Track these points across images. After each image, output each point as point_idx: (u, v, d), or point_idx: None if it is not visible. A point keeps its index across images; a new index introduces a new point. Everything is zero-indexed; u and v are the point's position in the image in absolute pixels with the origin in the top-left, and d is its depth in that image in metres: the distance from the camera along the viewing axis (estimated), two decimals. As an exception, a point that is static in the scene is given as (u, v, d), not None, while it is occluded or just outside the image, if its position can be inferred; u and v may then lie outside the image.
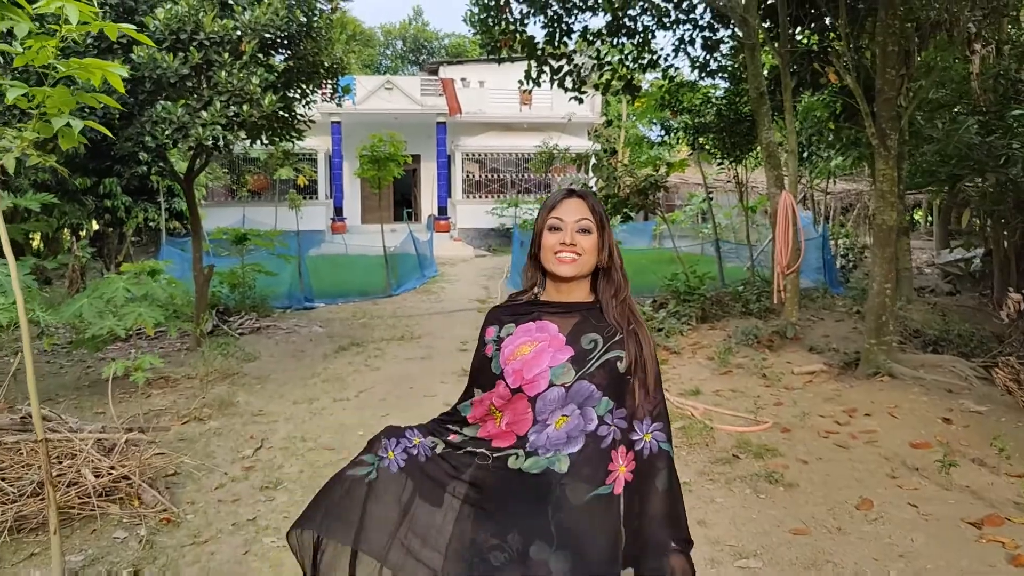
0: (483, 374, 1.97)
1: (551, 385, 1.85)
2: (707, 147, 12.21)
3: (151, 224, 14.87)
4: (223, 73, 7.47)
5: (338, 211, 25.38)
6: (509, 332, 1.95)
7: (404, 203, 28.89)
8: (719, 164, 13.15)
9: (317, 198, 25.77)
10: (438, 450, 2.00)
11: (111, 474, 4.63)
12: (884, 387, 6.68)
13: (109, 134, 3.97)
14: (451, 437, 2.01)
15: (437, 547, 1.86)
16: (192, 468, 5.24)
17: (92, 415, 6.58)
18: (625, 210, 10.98)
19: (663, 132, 13.33)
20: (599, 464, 1.82)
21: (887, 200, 6.97)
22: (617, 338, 1.89)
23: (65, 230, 14.72)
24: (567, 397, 1.84)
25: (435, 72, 29.74)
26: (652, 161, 14.30)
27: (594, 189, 10.96)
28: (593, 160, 10.99)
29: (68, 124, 3.69)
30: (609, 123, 18.48)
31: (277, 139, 9.74)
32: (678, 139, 12.98)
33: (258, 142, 9.58)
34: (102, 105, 3.53)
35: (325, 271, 15.22)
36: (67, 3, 3.36)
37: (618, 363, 1.86)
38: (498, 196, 26.37)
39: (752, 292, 10.55)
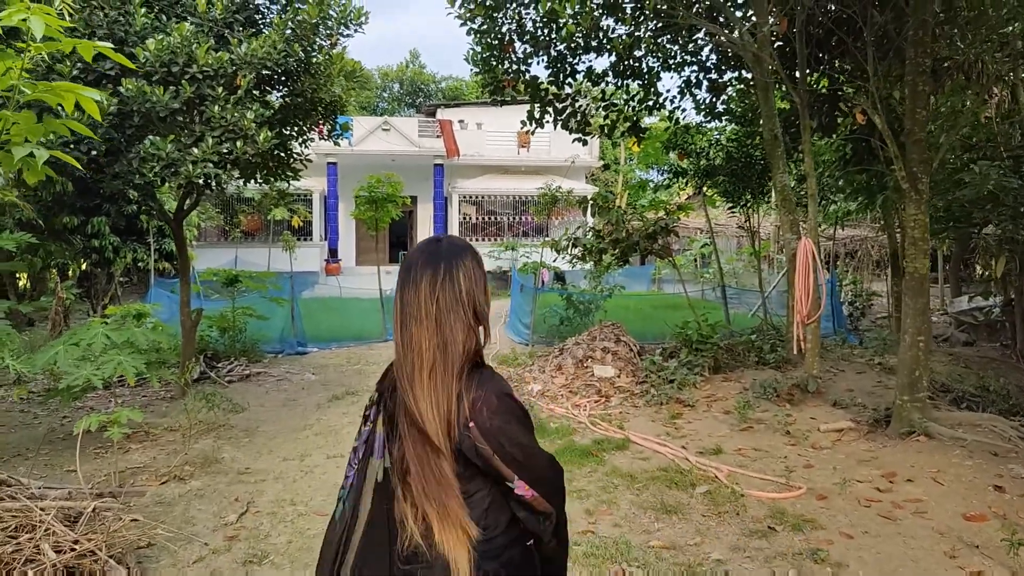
0: None
1: None
2: (715, 191, 11.88)
3: (140, 265, 14.38)
4: (216, 108, 7.16)
5: (332, 253, 25.01)
6: None
7: (400, 245, 28.49)
8: (731, 208, 12.87)
9: (311, 239, 25.38)
10: None
11: (74, 549, 4.07)
12: (922, 448, 6.16)
13: (80, 168, 3.54)
14: None
15: None
16: (168, 539, 4.67)
17: (63, 473, 6.03)
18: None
19: (670, 176, 12.97)
20: None
21: (919, 247, 6.53)
22: None
23: (53, 270, 14.24)
24: None
25: (432, 114, 29.61)
26: (656, 205, 13.95)
27: (595, 230, 10.61)
28: (593, 202, 10.59)
29: (31, 154, 3.25)
30: (607, 167, 18.18)
31: (272, 178, 9.39)
32: (686, 182, 12.63)
33: (252, 181, 9.23)
34: (85, 139, 3.08)
35: (319, 314, 14.80)
36: (31, 15, 2.93)
37: None
38: (495, 239, 26.06)
39: (765, 341, 10.06)
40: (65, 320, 11.67)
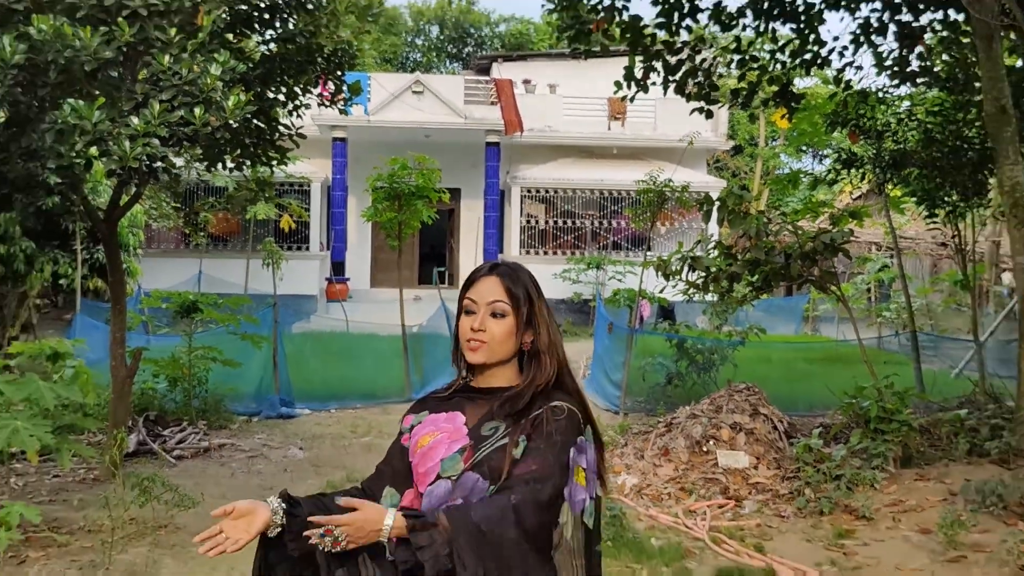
0: (397, 460, 2.72)
1: (438, 478, 2.50)
2: (903, 190, 11.60)
3: (63, 283, 14.52)
4: (166, 58, 7.00)
5: (337, 268, 24.92)
6: (420, 421, 2.68)
7: (434, 259, 28.46)
8: (928, 216, 12.76)
9: (308, 249, 25.29)
10: None
11: None
12: None
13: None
14: None
15: None
16: None
17: (-75, 594, 5.93)
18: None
19: (836, 165, 12.83)
20: None
21: None
22: (523, 422, 2.50)
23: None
24: (453, 490, 2.48)
25: (486, 71, 29.63)
26: (812, 207, 13.68)
27: (712, 243, 10.69)
28: (720, 203, 10.41)
29: None
30: (738, 150, 17.94)
31: (249, 162, 9.40)
32: (862, 175, 12.36)
33: (220, 166, 9.28)
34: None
35: (314, 360, 14.84)
36: None
37: (514, 449, 2.45)
38: (573, 252, 25.82)
39: (982, 419, 9.48)
40: (-46, 359, 11.76)
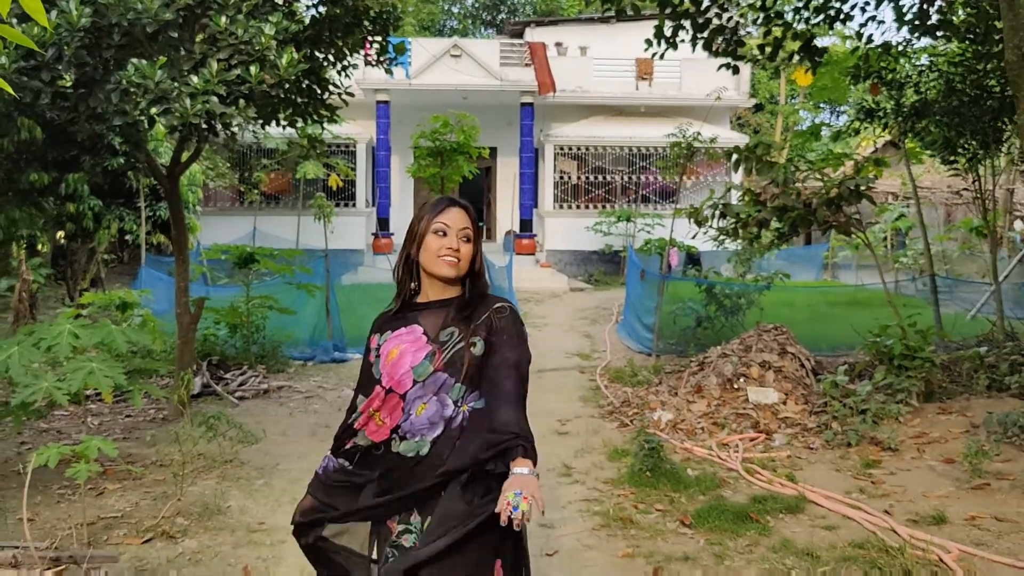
0: (367, 381, 3.06)
1: (415, 382, 2.90)
2: (917, 142, 11.32)
3: (128, 238, 14.55)
4: (223, 19, 6.93)
5: (383, 223, 24.78)
6: (385, 339, 3.03)
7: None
8: (950, 163, 12.31)
9: (355, 205, 25.39)
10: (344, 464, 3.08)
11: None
12: None
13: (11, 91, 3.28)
14: (347, 444, 3.05)
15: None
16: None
17: (15, 522, 5.93)
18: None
19: (858, 117, 12.65)
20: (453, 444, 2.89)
21: None
22: (473, 326, 2.93)
23: (18, 243, 14.50)
24: (424, 388, 2.90)
25: (519, 35, 29.20)
26: (832, 159, 13.47)
27: (753, 193, 10.24)
28: (748, 154, 10.14)
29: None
30: (759, 107, 17.70)
31: (301, 120, 9.35)
32: (885, 125, 12.18)
33: (273, 124, 9.27)
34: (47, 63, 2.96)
35: (363, 307, 14.67)
36: None
37: (472, 348, 2.90)
38: (604, 206, 25.69)
39: (1001, 356, 9.41)
40: (31, 310, 11.87)
